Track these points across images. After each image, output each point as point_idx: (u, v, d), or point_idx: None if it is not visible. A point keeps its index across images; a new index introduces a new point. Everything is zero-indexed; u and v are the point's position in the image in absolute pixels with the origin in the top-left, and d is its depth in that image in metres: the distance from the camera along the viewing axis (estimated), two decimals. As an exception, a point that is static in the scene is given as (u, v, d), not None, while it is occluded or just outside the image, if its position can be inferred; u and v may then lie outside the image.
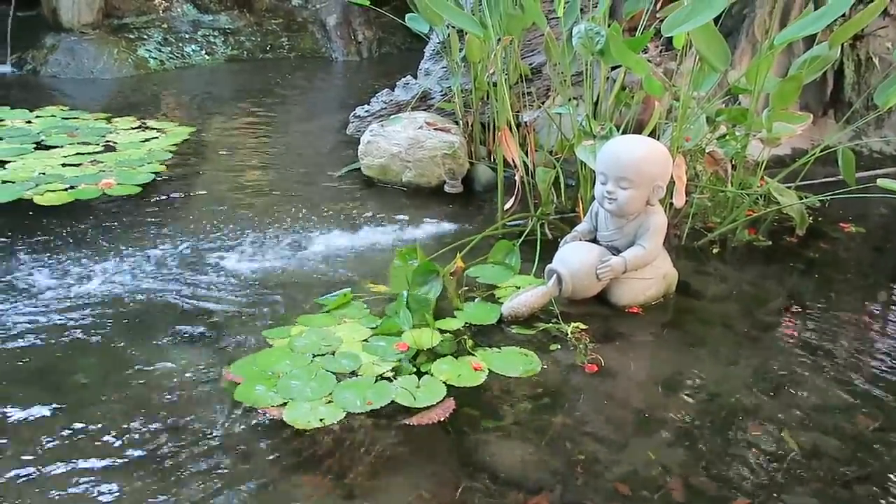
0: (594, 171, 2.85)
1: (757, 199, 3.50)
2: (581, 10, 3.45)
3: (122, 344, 2.50)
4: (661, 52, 4.21)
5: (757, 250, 3.39)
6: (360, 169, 4.11)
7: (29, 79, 6.04)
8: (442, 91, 4.40)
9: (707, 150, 3.43)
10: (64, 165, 4.12)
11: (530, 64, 4.24)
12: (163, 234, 3.37)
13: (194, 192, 3.89)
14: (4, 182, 3.85)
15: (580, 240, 2.89)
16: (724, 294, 3.02)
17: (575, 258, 2.73)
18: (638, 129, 3.46)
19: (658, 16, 3.52)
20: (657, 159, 2.69)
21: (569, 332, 2.59)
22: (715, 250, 3.35)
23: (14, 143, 4.41)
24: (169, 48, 6.59)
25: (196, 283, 2.93)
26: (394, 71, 6.24)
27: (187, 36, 6.76)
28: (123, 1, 6.76)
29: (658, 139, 3.14)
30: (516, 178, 3.38)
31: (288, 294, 2.87)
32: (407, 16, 4.34)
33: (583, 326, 2.63)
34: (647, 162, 2.67)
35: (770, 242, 3.45)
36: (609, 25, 3.10)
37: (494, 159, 4.00)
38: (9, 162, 4.13)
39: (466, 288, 2.89)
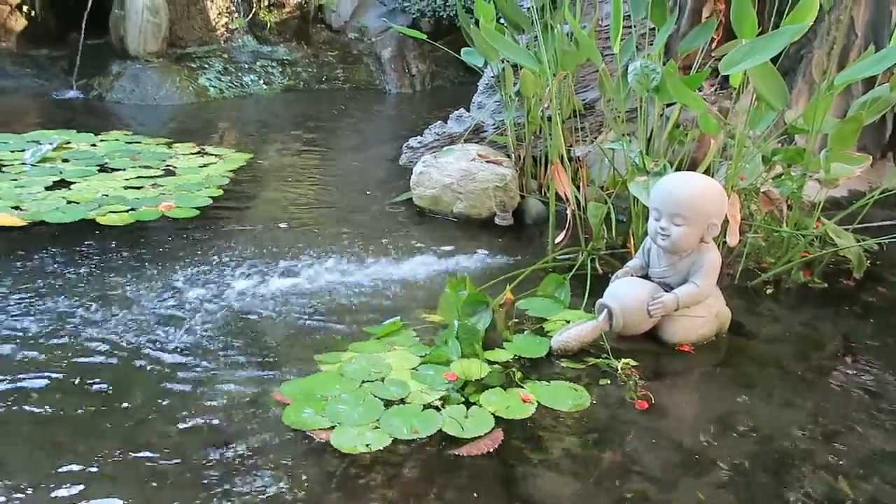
0: (646, 207, 2.85)
1: (813, 240, 3.44)
2: (636, 46, 3.47)
3: (174, 361, 2.55)
4: (716, 89, 4.20)
5: (812, 292, 3.33)
6: (412, 199, 4.16)
7: (95, 104, 6.26)
8: (495, 124, 4.45)
9: (762, 190, 3.40)
10: (126, 188, 4.25)
11: (584, 99, 4.27)
12: (218, 256, 3.44)
13: (249, 217, 3.98)
14: (70, 202, 3.99)
15: (632, 275, 2.88)
16: (778, 335, 2.97)
17: (626, 294, 2.72)
18: (692, 167, 3.45)
19: (713, 54, 3.53)
20: (712, 197, 2.67)
21: (619, 368, 2.57)
22: (769, 291, 3.30)
23: (80, 166, 4.58)
24: (228, 77, 6.78)
25: (249, 304, 2.99)
26: (446, 103, 6.34)
27: (246, 66, 6.96)
28: (187, 31, 7.00)
29: (712, 177, 3.12)
30: (567, 212, 3.39)
31: (339, 319, 2.91)
32: (462, 50, 4.40)
33: (633, 363, 2.61)
34: (701, 199, 2.65)
35: (826, 285, 3.38)
36: (664, 63, 3.11)
37: (545, 193, 4.03)
38: (74, 183, 4.28)
39: (516, 320, 2.89)
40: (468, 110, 4.73)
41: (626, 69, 3.16)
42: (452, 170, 3.96)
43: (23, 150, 4.73)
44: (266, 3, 6.91)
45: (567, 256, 3.37)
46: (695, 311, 2.75)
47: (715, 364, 2.71)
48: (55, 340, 2.64)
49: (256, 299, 3.04)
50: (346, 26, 7.49)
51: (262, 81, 6.88)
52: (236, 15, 7.04)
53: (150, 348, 2.63)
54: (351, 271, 3.35)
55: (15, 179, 4.29)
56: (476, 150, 4.10)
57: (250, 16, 6.97)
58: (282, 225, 3.89)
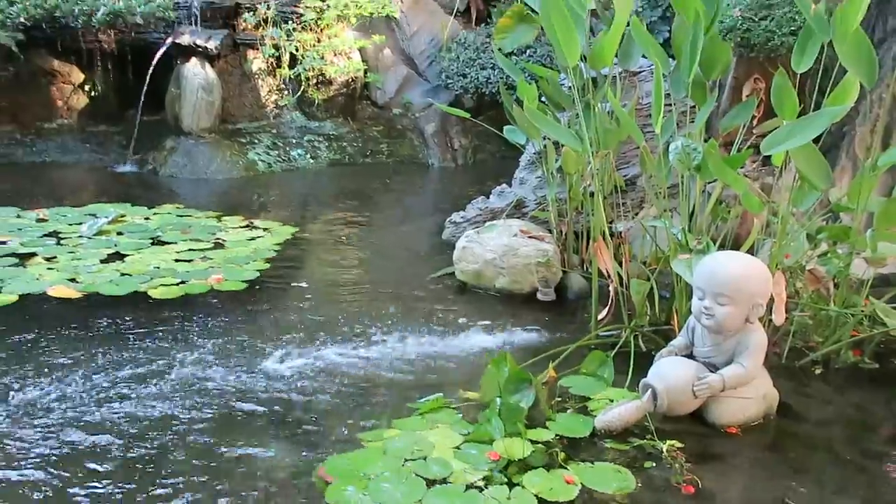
0: (690, 285, 2.84)
1: (862, 319, 3.38)
2: (677, 124, 3.52)
3: (221, 432, 2.59)
4: (758, 166, 4.21)
5: (862, 373, 3.26)
6: (454, 273, 4.20)
7: (149, 178, 6.49)
8: (536, 199, 4.50)
9: (808, 268, 3.37)
10: (177, 261, 4.38)
11: (625, 175, 4.31)
12: (265, 329, 3.51)
13: (295, 290, 4.06)
14: (123, 275, 4.11)
15: (676, 354, 2.85)
16: (829, 418, 2.90)
17: (671, 373, 2.70)
18: (735, 244, 3.44)
19: (755, 131, 3.56)
20: (756, 276, 2.66)
21: (664, 450, 2.53)
22: (817, 371, 3.23)
23: (133, 238, 4.73)
24: (276, 152, 6.99)
25: (293, 378, 3.03)
26: (488, 177, 6.44)
27: (294, 141, 7.18)
28: (238, 108, 7.28)
29: (755, 255, 3.11)
30: (610, 288, 3.39)
31: (381, 393, 2.94)
32: (505, 128, 4.50)
33: (679, 444, 2.57)
34: (745, 279, 2.64)
35: (877, 365, 3.31)
36: (705, 140, 3.14)
37: (588, 268, 4.04)
38: (128, 256, 4.42)
39: (559, 399, 2.88)
40: (510, 185, 4.81)
41: (668, 147, 3.21)
42: (495, 245, 4.01)
43: (81, 223, 4.91)
44: (314, 82, 7.16)
45: (610, 333, 3.36)
46: (741, 392, 2.71)
47: (763, 447, 2.66)
48: (100, 408, 2.71)
49: (301, 373, 3.08)
50: (390, 102, 7.70)
51: (308, 156, 7.08)
52: (286, 92, 7.30)
53: (191, 420, 2.68)
54: (393, 345, 3.38)
55: (72, 252, 4.44)
56: (518, 225, 4.16)
57: (299, 93, 7.22)
58: (326, 298, 3.96)
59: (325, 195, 6.29)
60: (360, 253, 4.78)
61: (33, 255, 4.37)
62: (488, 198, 4.73)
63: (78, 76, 7.27)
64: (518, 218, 4.40)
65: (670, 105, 3.70)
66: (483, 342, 3.46)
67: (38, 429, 2.60)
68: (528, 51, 7.10)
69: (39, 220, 4.99)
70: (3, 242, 4.55)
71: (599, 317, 3.35)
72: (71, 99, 7.31)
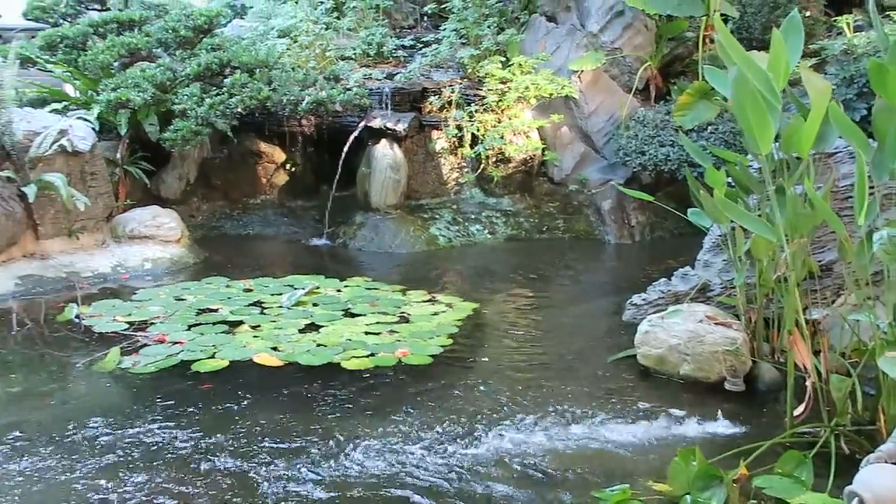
0: (901, 386, 2.66)
1: None
2: (880, 208, 3.34)
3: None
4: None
5: None
6: (635, 356, 4.15)
7: (340, 251, 6.95)
8: (722, 284, 4.38)
9: None
10: (366, 333, 4.63)
11: (820, 261, 4.11)
12: (447, 406, 3.63)
13: (476, 369, 4.17)
14: (318, 345, 4.41)
15: (885, 462, 2.66)
16: None
17: (882, 483, 2.51)
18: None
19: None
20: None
21: (874, 567, 2.35)
22: None
23: (327, 310, 5.07)
24: (456, 227, 7.26)
25: (472, 459, 3.11)
26: (666, 255, 6.34)
27: (473, 216, 7.43)
28: (422, 185, 7.66)
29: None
30: (807, 383, 3.23)
31: (563, 480, 2.95)
32: (689, 210, 4.45)
33: (890, 562, 2.38)
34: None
35: None
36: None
37: (779, 358, 3.87)
38: (322, 327, 4.74)
39: (752, 500, 2.76)
40: (692, 267, 4.71)
41: (870, 233, 3.05)
42: (679, 330, 3.94)
43: (281, 294, 5.33)
44: (494, 160, 7.42)
45: (807, 431, 3.18)
46: (964, 508, 2.47)
47: None
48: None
49: (480, 455, 3.15)
50: (567, 179, 7.80)
51: (486, 231, 7.30)
52: (466, 170, 7.61)
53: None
54: (574, 430, 3.38)
55: (274, 321, 4.83)
56: (704, 310, 4.06)
57: (479, 171, 7.50)
58: (506, 377, 4.03)
59: (503, 270, 6.44)
60: (539, 331, 4.83)
61: (241, 322, 4.79)
62: (670, 280, 4.65)
63: (280, 156, 7.99)
64: (703, 302, 4.30)
65: (872, 188, 3.52)
66: (667, 431, 3.38)
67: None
68: (709, 127, 6.99)
69: (246, 290, 5.47)
70: (215, 310, 5.03)
71: (795, 413, 3.20)
72: (273, 177, 8.03)
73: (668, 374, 3.98)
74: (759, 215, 3.75)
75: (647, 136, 7.17)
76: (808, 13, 7.48)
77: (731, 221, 4.13)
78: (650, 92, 7.82)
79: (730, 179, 4.19)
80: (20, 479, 2.96)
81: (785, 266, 3.60)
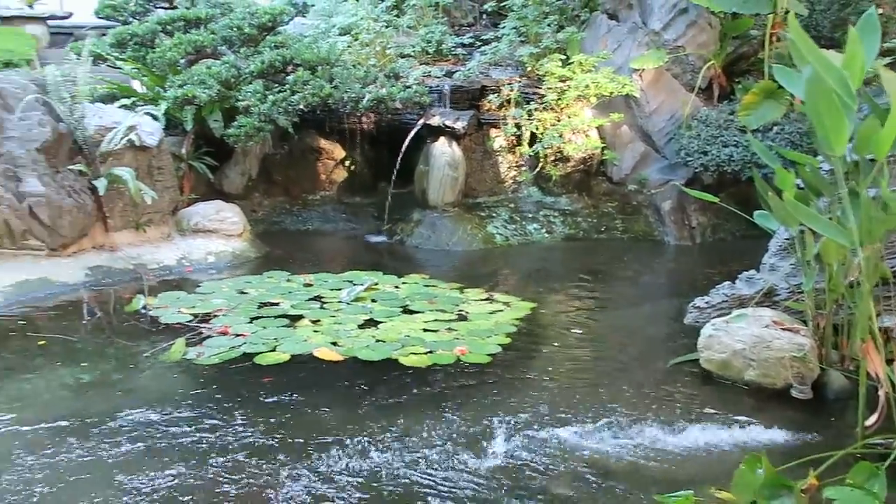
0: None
1: None
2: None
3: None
4: None
5: None
6: (696, 360, 4.08)
7: (397, 247, 6.99)
8: (789, 289, 4.27)
9: None
10: (424, 330, 4.65)
11: (892, 267, 3.98)
12: (505, 404, 3.63)
13: (534, 368, 4.16)
14: (377, 341, 4.45)
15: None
16: None
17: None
18: None
19: None
20: None
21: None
22: None
23: (385, 306, 5.10)
24: (514, 226, 7.24)
25: (528, 459, 3.10)
26: (728, 258, 6.23)
27: (530, 215, 7.39)
28: (479, 183, 7.66)
29: None
30: (880, 392, 3.13)
31: (623, 483, 2.92)
32: (755, 213, 4.35)
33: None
34: None
35: None
36: None
37: (849, 366, 3.76)
38: (381, 323, 4.77)
39: (823, 511, 2.69)
40: (757, 270, 4.61)
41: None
42: (744, 335, 3.86)
43: (340, 289, 5.39)
44: (552, 159, 7.37)
45: (879, 442, 3.09)
46: None
47: None
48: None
49: (537, 453, 3.14)
50: (626, 178, 7.70)
51: (544, 230, 7.25)
52: (524, 169, 7.58)
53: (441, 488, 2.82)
54: (634, 433, 3.34)
55: (333, 316, 4.88)
56: (770, 315, 3.97)
57: (537, 170, 7.46)
58: (564, 377, 4.01)
59: (561, 270, 6.39)
60: (598, 332, 4.79)
61: (301, 317, 4.86)
62: (734, 283, 4.56)
63: (339, 153, 8.08)
64: (769, 307, 4.20)
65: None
66: (731, 437, 3.32)
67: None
68: (774, 128, 6.83)
69: (306, 285, 5.54)
70: (276, 304, 5.11)
71: (867, 423, 3.10)
72: (332, 173, 8.12)
73: (731, 380, 3.90)
74: (830, 218, 3.64)
75: (710, 135, 7.03)
76: (880, 10, 7.24)
77: (801, 224, 4.03)
78: (713, 91, 7.67)
79: (799, 181, 4.09)
80: (77, 466, 3.05)
81: (857, 271, 3.50)
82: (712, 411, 3.57)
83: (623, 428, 3.39)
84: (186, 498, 2.82)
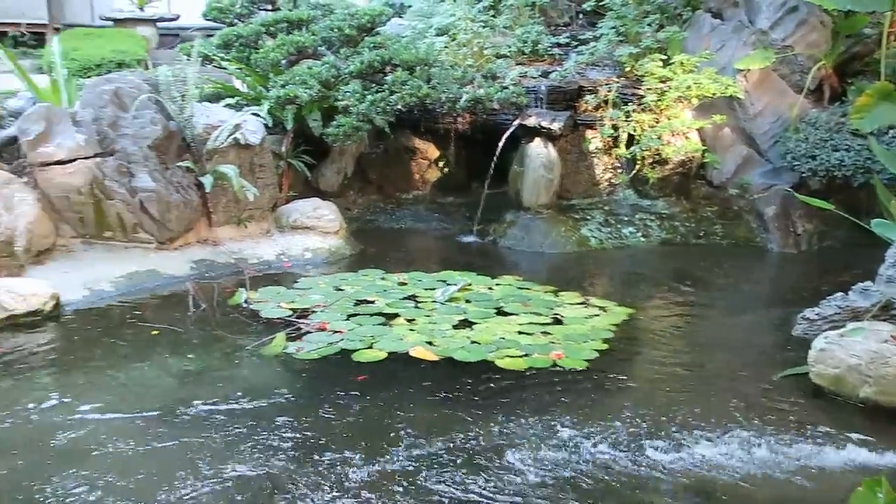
0: None
1: None
2: None
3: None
4: None
5: None
6: (806, 374, 3.91)
7: (489, 248, 6.96)
8: (909, 302, 4.05)
9: None
10: (519, 333, 4.62)
11: None
12: (602, 413, 3.56)
13: (633, 376, 4.07)
14: (472, 342, 4.44)
15: None
16: None
17: None
18: None
19: None
20: None
21: None
22: None
23: (479, 307, 5.09)
24: (608, 229, 7.10)
25: (627, 470, 3.04)
26: (837, 267, 5.95)
27: (625, 218, 7.24)
28: (574, 185, 7.56)
29: None
30: None
31: (729, 502, 2.80)
32: (874, 221, 4.15)
33: None
34: None
35: None
36: None
37: (978, 388, 3.52)
38: (476, 324, 4.76)
39: (952, 542, 2.52)
40: (872, 281, 4.37)
41: None
42: (860, 350, 3.66)
43: (434, 289, 5.41)
44: (650, 161, 7.21)
45: None
46: None
47: None
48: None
49: (636, 464, 3.07)
50: (727, 183, 7.44)
51: (640, 234, 7.09)
52: (620, 171, 7.44)
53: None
54: (739, 449, 3.23)
55: (428, 315, 4.90)
56: (889, 330, 3.76)
57: (634, 172, 7.31)
58: (663, 387, 3.91)
59: (658, 276, 6.24)
60: (699, 341, 4.65)
61: (396, 315, 4.90)
62: (847, 294, 4.34)
63: (434, 153, 8.13)
64: (886, 321, 3.98)
65: None
66: (845, 458, 3.16)
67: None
68: (890, 131, 6.47)
69: (400, 284, 5.58)
70: (372, 302, 5.17)
71: None
72: (426, 173, 8.18)
73: (844, 396, 3.71)
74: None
75: (819, 139, 6.73)
76: None
77: (924, 235, 3.82)
78: (823, 92, 7.34)
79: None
80: (173, 455, 3.16)
81: None
82: (825, 429, 3.41)
83: (727, 443, 3.28)
84: (286, 493, 2.88)
